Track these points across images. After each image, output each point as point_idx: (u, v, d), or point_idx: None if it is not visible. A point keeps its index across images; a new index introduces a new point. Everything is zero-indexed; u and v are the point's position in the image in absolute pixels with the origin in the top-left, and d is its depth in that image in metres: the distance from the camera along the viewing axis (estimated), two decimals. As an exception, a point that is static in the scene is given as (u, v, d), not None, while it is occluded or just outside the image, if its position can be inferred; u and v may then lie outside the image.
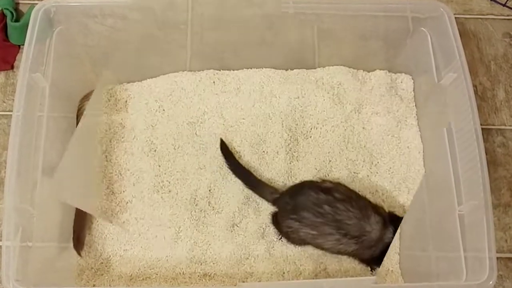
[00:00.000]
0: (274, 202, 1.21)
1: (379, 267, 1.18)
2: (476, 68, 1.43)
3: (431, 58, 1.18)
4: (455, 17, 1.27)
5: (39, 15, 1.14)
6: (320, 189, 1.12)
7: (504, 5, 1.50)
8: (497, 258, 1.17)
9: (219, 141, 1.28)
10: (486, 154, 1.24)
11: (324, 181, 1.18)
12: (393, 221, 1.15)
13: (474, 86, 1.41)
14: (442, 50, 1.16)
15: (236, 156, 1.27)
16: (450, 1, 1.48)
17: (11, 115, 1.06)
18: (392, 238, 1.13)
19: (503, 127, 1.38)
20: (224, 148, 1.26)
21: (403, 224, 1.18)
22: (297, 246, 1.19)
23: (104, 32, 1.25)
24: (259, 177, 1.24)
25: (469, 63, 1.34)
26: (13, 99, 1.08)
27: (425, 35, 1.21)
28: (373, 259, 1.16)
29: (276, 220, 1.20)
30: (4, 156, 1.24)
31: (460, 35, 1.18)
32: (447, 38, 1.14)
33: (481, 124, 1.29)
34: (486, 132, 1.36)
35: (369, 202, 1.16)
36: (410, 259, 1.20)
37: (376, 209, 1.14)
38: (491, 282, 0.95)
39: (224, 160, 1.26)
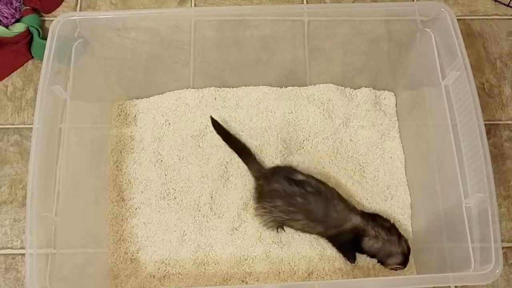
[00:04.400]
0: (256, 179, 1.28)
1: (353, 260, 1.23)
2: (482, 66, 1.44)
3: (435, 58, 1.16)
4: (462, 19, 1.22)
5: (57, 28, 1.13)
6: (294, 182, 1.20)
7: (507, 5, 1.51)
8: (508, 247, 1.23)
9: (220, 153, 1.33)
10: (494, 148, 1.27)
11: (296, 171, 1.24)
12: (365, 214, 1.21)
13: (481, 83, 1.42)
14: (446, 49, 1.15)
15: (235, 166, 1.32)
16: (456, 3, 1.51)
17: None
18: (363, 224, 1.18)
19: (510, 122, 1.38)
20: (217, 126, 1.31)
21: (415, 218, 1.25)
22: (270, 228, 1.25)
23: (120, 49, 1.27)
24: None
25: (476, 62, 1.39)
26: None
27: (429, 36, 1.19)
28: (342, 243, 1.22)
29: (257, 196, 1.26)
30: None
31: (467, 35, 1.15)
32: (449, 37, 1.12)
33: (488, 120, 1.34)
34: (494, 127, 1.37)
35: (337, 193, 1.23)
36: (424, 251, 1.23)
37: (344, 200, 1.21)
38: (497, 271, 0.96)
39: (220, 137, 1.30)
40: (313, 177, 1.25)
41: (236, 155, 1.34)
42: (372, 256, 1.22)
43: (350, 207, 1.22)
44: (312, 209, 1.19)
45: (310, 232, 1.24)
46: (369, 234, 1.19)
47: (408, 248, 1.21)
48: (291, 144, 1.36)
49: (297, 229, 1.25)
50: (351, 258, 1.25)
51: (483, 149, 1.02)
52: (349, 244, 1.22)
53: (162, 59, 1.34)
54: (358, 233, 1.19)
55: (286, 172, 1.25)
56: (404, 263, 1.20)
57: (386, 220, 1.24)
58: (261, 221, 1.26)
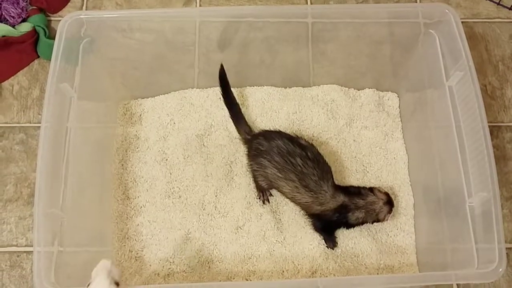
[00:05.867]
0: (245, 141, 1.31)
1: (334, 245, 1.26)
2: (485, 69, 1.45)
3: (440, 59, 1.17)
4: (464, 21, 1.23)
5: (66, 27, 1.14)
6: (298, 144, 1.23)
7: (510, 8, 1.52)
8: (510, 248, 1.24)
9: (224, 152, 1.33)
10: (497, 150, 1.28)
11: (299, 137, 1.27)
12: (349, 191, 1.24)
13: (484, 85, 1.43)
14: (450, 51, 1.16)
15: (240, 165, 1.33)
16: (459, 6, 1.52)
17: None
18: (347, 201, 1.21)
19: None
20: (223, 75, 1.29)
21: (418, 218, 1.26)
22: (260, 186, 1.28)
23: (125, 49, 1.27)
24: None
25: (478, 64, 1.40)
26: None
27: (434, 37, 1.20)
28: (325, 224, 1.24)
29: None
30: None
31: (469, 38, 1.15)
32: (453, 39, 1.13)
33: (491, 122, 1.35)
34: (496, 129, 1.38)
35: (331, 171, 1.25)
36: (427, 251, 1.24)
37: (333, 179, 1.24)
38: (500, 270, 0.97)
39: (219, 84, 1.29)
40: (314, 147, 1.27)
41: (240, 154, 1.35)
42: (362, 224, 1.25)
43: (336, 187, 1.24)
44: (307, 174, 1.20)
45: (296, 201, 1.25)
46: (350, 209, 1.22)
47: (386, 193, 1.24)
48: (295, 144, 1.37)
49: (284, 193, 1.25)
50: (332, 242, 1.26)
51: (487, 148, 1.03)
52: (332, 225, 1.24)
53: (167, 59, 1.35)
54: (341, 211, 1.22)
55: (288, 135, 1.27)
56: (391, 208, 1.23)
57: (353, 187, 1.27)
58: (253, 176, 1.28)
